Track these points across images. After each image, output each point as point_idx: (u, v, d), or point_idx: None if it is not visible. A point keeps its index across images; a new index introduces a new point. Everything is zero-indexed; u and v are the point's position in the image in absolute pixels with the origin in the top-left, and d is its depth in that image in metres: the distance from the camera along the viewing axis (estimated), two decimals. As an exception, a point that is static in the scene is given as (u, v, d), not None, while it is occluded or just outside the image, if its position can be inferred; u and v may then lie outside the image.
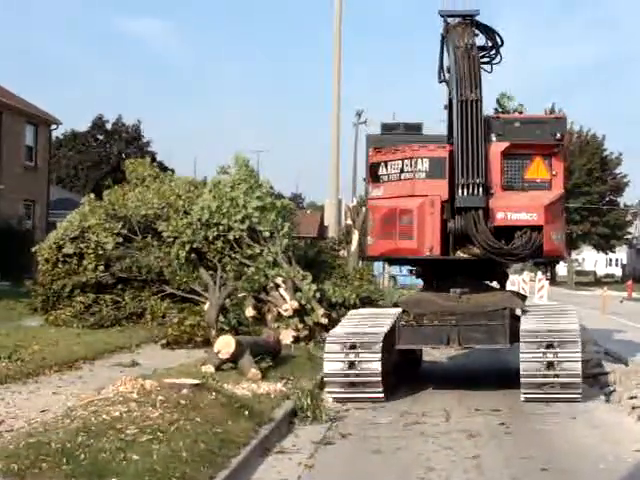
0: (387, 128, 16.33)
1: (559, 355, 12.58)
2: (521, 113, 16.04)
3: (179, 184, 23.59)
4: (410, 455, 9.57)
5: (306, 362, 15.68)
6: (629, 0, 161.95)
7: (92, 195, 23.33)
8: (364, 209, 35.93)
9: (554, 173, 14.37)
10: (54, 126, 44.54)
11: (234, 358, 13.50)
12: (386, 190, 14.59)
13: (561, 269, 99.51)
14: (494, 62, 15.74)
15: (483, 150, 13.89)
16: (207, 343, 16.21)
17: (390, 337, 13.57)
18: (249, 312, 18.51)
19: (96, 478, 7.03)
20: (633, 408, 12.26)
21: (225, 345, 13.45)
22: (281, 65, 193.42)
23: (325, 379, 13.40)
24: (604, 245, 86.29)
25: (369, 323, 14.03)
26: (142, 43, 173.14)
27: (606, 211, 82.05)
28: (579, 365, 12.72)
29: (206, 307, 18.63)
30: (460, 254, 14.18)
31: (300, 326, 18.08)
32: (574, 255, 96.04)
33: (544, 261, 16.54)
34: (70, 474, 7.02)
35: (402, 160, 14.36)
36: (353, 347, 13.05)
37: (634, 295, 52.68)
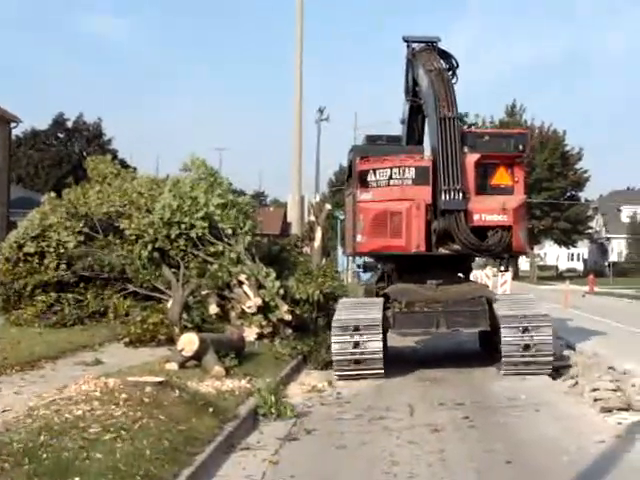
0: (371, 140, 18.73)
1: (534, 338, 14.87)
2: (475, 126, 18.25)
3: (141, 182, 23.43)
4: (374, 450, 9.58)
5: (270, 359, 15.71)
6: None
7: (53, 194, 23.14)
8: (327, 206, 36.28)
9: (516, 180, 16.66)
10: (14, 124, 44.01)
11: (198, 355, 13.45)
12: (375, 194, 16.46)
13: (523, 264, 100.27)
14: (453, 82, 17.53)
15: (460, 160, 15.95)
16: (171, 341, 16.09)
17: (383, 322, 15.34)
18: (212, 309, 18.43)
19: (59, 477, 6.96)
20: (595, 400, 12.41)
21: (188, 343, 13.40)
22: (242, 65, 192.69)
23: (333, 358, 15.08)
24: (565, 240, 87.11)
25: (363, 309, 15.69)
26: (103, 41, 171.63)
27: (567, 206, 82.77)
28: (551, 346, 15.13)
29: (169, 305, 18.53)
30: (442, 250, 16.14)
31: (264, 323, 18.04)
32: (536, 250, 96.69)
33: (508, 256, 18.48)
34: (32, 474, 6.95)
35: (391, 168, 16.31)
36: (357, 329, 14.93)
37: (596, 289, 53.11)
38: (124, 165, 57.65)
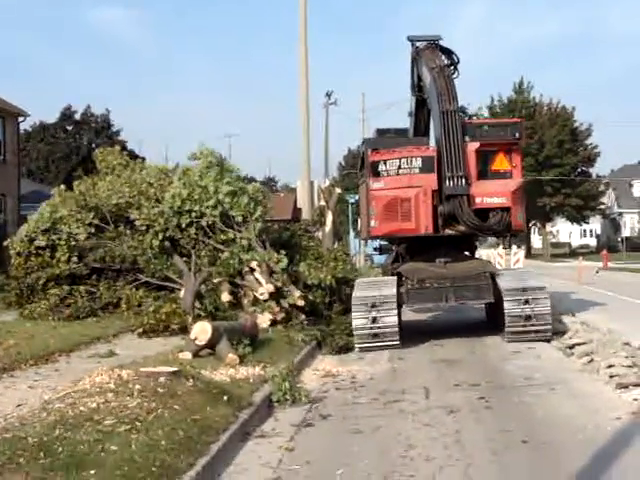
0: (381, 132, 20.74)
1: (535, 309, 16.52)
2: (476, 117, 19.96)
3: (150, 172, 23.44)
4: (390, 434, 9.56)
5: (284, 345, 15.67)
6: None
7: (62, 186, 23.16)
8: (337, 190, 36.29)
9: (514, 165, 18.36)
10: (22, 118, 43.91)
11: (211, 344, 13.44)
12: (386, 183, 18.03)
13: (536, 241, 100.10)
14: (454, 77, 19.21)
15: (461, 149, 17.48)
16: (184, 330, 16.09)
17: (397, 299, 17.12)
18: (225, 297, 18.43)
19: (74, 470, 6.94)
20: (611, 377, 12.34)
21: (202, 331, 13.39)
22: (250, 49, 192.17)
23: (354, 332, 16.75)
24: (577, 216, 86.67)
25: (378, 287, 17.35)
26: (108, 32, 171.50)
27: (578, 182, 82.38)
28: (550, 315, 16.82)
29: (182, 294, 18.54)
30: (448, 231, 17.71)
31: (277, 309, 18.03)
32: (548, 227, 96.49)
33: (509, 235, 20.17)
34: (48, 468, 6.93)
35: (399, 159, 17.89)
36: (374, 305, 16.67)
37: (609, 265, 52.94)
38: (133, 155, 57.73)
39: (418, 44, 20.49)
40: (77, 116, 73.94)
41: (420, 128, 21.57)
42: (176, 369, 10.66)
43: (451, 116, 17.74)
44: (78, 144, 71.20)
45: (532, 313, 16.51)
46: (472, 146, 17.87)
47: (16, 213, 41.68)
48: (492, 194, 17.59)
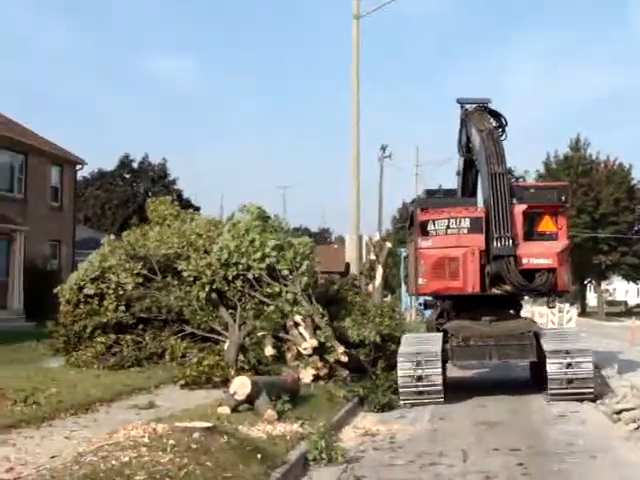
0: (429, 193, 21.68)
1: (577, 372, 16.67)
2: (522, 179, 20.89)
3: (199, 223, 23.65)
4: (424, 498, 9.40)
5: (325, 402, 15.55)
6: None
7: (112, 236, 23.42)
8: (387, 244, 36.26)
9: (560, 227, 18.70)
10: (79, 166, 44.84)
11: (250, 399, 13.38)
12: (435, 242, 18.51)
13: (592, 299, 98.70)
14: (502, 139, 19.73)
15: (509, 211, 17.93)
16: (226, 383, 15.95)
17: (442, 355, 17.35)
18: (268, 351, 18.38)
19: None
20: (656, 446, 12.03)
21: (241, 386, 13.34)
22: (309, 98, 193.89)
23: (399, 388, 17.06)
24: (634, 275, 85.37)
25: (424, 344, 17.73)
26: (168, 82, 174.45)
27: (635, 241, 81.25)
28: (592, 379, 16.96)
29: (226, 346, 18.54)
30: (495, 290, 18.15)
31: (320, 364, 17.93)
32: (604, 285, 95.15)
33: (554, 295, 20.27)
34: (74, 523, 6.92)
35: (448, 219, 18.39)
36: (419, 363, 16.91)
37: (665, 325, 51.84)
38: (189, 205, 58.56)
39: (467, 106, 21.14)
40: (135, 164, 75.16)
41: (468, 187, 22.02)
42: (211, 424, 10.61)
43: (500, 178, 18.16)
44: (135, 192, 72.30)
45: (574, 377, 16.68)
46: (519, 208, 18.30)
47: (71, 259, 42.31)
48: (538, 255, 17.96)
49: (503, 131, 20.40)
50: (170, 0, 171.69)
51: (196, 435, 9.97)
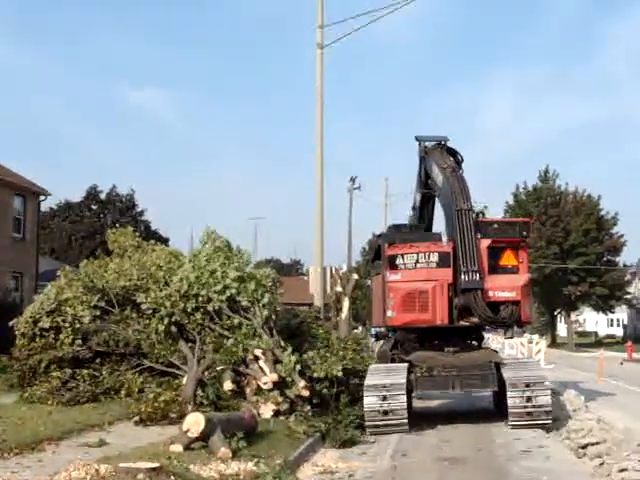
0: (396, 228, 21.88)
1: (536, 401, 17.28)
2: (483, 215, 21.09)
3: (160, 254, 23.13)
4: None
5: (284, 438, 15.12)
6: (627, 63, 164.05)
7: (68, 267, 22.88)
8: (354, 276, 35.98)
9: (521, 261, 19.47)
10: (43, 197, 44.16)
11: (204, 436, 12.92)
12: (404, 275, 19.04)
13: (562, 330, 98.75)
14: (464, 177, 20.32)
15: (475, 245, 18.68)
16: (183, 419, 15.47)
17: (407, 385, 17.74)
18: (227, 386, 17.90)
19: None
20: (622, 483, 11.69)
21: (194, 423, 12.89)
22: (276, 132, 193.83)
23: (365, 423, 17.31)
24: (603, 306, 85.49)
25: (390, 375, 17.92)
26: (138, 114, 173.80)
27: (604, 271, 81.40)
28: (550, 406, 17.52)
29: (184, 381, 18.05)
30: (462, 322, 18.83)
31: (280, 399, 17.51)
32: (574, 316, 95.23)
33: (516, 326, 20.34)
34: None
35: (417, 253, 19.00)
36: (385, 398, 17.24)
37: (634, 356, 51.86)
38: (156, 236, 57.99)
39: (427, 143, 22.03)
40: (102, 195, 74.52)
41: (424, 221, 22.98)
42: (157, 465, 10.16)
43: (466, 215, 18.95)
44: (102, 223, 71.50)
45: (533, 410, 17.30)
46: (484, 243, 19.05)
47: (33, 292, 41.51)
48: (503, 288, 18.71)
49: (460, 167, 21.10)
50: (131, 31, 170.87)
51: (140, 476, 9.56)
